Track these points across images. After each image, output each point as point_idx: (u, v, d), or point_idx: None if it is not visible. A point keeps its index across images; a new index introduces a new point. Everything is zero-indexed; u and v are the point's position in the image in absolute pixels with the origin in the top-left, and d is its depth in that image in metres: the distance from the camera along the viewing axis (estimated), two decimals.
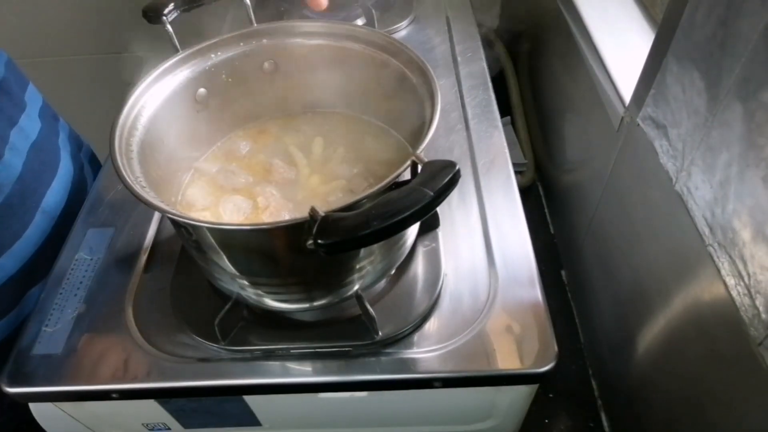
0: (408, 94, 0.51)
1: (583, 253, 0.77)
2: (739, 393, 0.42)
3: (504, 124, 0.77)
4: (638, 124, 0.56)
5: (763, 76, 0.37)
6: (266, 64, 0.58)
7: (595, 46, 0.70)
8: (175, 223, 0.46)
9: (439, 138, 0.69)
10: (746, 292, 0.39)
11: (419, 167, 0.38)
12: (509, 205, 0.61)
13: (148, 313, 0.54)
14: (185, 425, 0.58)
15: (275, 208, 0.52)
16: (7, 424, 0.63)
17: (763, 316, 0.37)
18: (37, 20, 1.13)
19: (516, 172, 0.67)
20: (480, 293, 0.53)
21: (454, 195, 0.57)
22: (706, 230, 0.44)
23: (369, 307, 0.49)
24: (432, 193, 0.35)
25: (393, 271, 0.53)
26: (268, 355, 0.51)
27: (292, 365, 0.50)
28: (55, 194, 0.67)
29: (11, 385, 0.50)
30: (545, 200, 0.99)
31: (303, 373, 0.50)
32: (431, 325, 0.52)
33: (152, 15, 0.52)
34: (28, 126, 0.66)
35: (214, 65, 0.55)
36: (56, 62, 1.21)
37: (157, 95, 0.51)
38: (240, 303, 0.51)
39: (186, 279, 0.56)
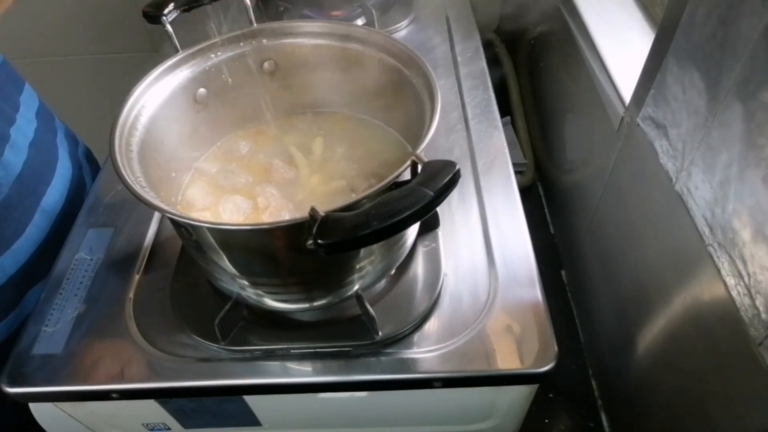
0: (408, 94, 0.51)
1: (583, 253, 0.77)
2: (739, 393, 0.42)
3: (504, 124, 0.77)
4: (638, 124, 0.56)
5: (763, 76, 0.37)
6: (266, 64, 0.58)
7: (595, 46, 0.70)
8: (175, 223, 0.46)
9: (439, 138, 0.69)
10: (746, 292, 0.39)
11: (419, 167, 0.38)
12: (509, 205, 0.61)
13: (148, 313, 0.54)
14: (185, 425, 0.58)
15: (275, 208, 0.52)
16: (8, 424, 0.63)
17: (763, 316, 0.37)
18: (35, 20, 1.13)
19: (516, 172, 0.67)
20: (480, 293, 0.53)
21: (454, 195, 0.57)
22: (706, 230, 0.44)
23: (369, 307, 0.49)
24: (432, 193, 0.35)
25: (393, 271, 0.53)
26: (268, 355, 0.51)
27: (292, 365, 0.50)
28: (54, 193, 0.67)
29: (11, 385, 0.50)
30: (545, 200, 0.99)
31: (303, 373, 0.50)
32: (431, 325, 0.52)
33: (152, 15, 0.52)
34: (26, 125, 0.66)
35: (214, 65, 0.55)
36: (55, 62, 1.21)
37: (157, 95, 0.51)
38: (240, 303, 0.51)
39: (186, 279, 0.56)
